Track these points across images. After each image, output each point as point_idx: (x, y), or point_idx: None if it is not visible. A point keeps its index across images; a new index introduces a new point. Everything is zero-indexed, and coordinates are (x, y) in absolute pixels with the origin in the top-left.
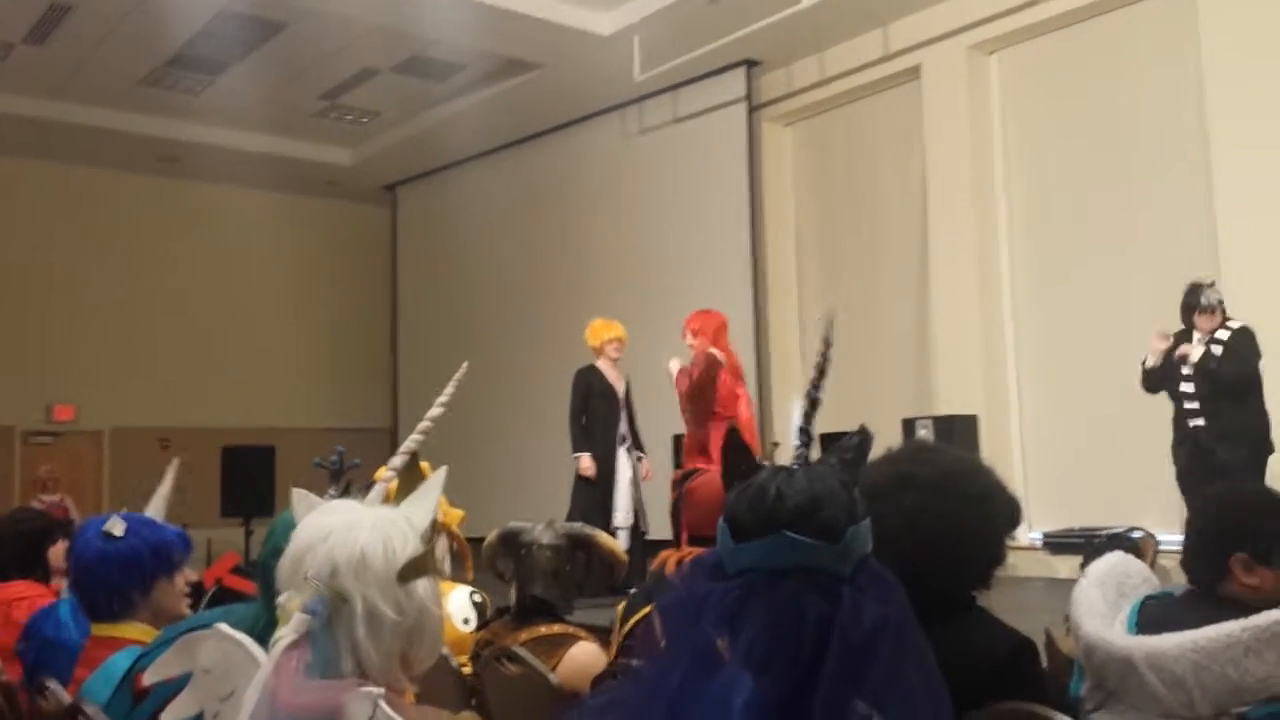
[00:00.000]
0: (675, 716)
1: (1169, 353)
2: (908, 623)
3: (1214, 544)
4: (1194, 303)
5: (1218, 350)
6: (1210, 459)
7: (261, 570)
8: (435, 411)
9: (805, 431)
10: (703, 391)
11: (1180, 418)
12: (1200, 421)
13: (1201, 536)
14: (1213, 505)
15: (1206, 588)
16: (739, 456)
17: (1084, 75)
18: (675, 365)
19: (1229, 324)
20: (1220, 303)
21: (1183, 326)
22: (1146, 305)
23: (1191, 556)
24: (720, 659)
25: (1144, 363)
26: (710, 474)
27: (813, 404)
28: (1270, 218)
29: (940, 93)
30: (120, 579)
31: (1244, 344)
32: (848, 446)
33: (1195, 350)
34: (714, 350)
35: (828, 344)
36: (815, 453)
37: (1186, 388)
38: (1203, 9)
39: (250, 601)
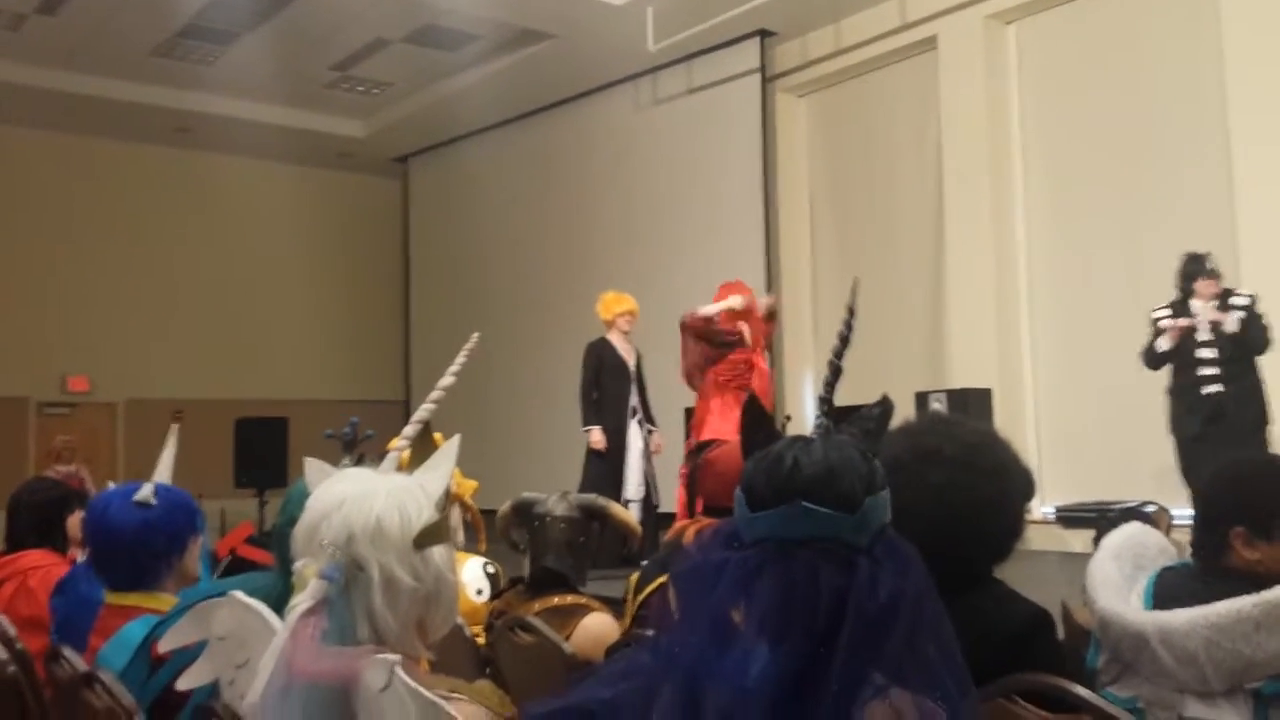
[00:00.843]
0: (691, 685)
1: (1182, 329)
2: (926, 594)
3: (1215, 517)
4: (1197, 270)
5: (1239, 315)
6: (1225, 424)
7: (278, 540)
8: (446, 381)
9: (826, 400)
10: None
11: (1194, 385)
12: (1218, 387)
13: (1205, 509)
14: (1215, 478)
15: (1210, 561)
16: (758, 425)
17: (1102, 45)
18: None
19: (1237, 291)
20: (1220, 271)
21: (1178, 296)
22: (1162, 278)
23: (1195, 529)
24: (736, 628)
25: (1154, 347)
26: (729, 444)
27: (835, 372)
28: None
29: (957, 63)
30: (163, 544)
31: (1260, 312)
32: (869, 416)
33: (1231, 318)
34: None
35: (851, 313)
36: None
37: (1206, 353)
38: None
39: (267, 570)
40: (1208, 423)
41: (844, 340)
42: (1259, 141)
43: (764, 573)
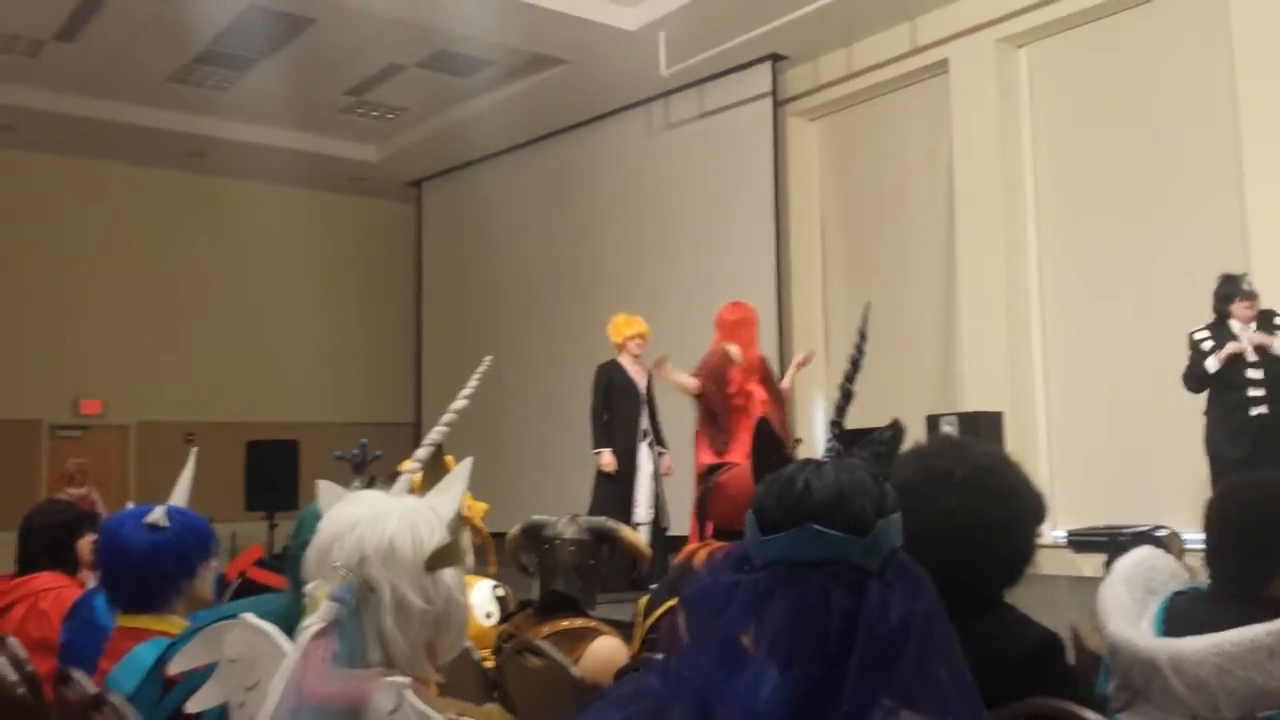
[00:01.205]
0: (701, 708)
1: (1233, 352)
2: (937, 618)
3: (1266, 546)
4: (1233, 291)
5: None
6: (1273, 446)
7: (290, 562)
8: (459, 404)
9: (838, 424)
10: (708, 388)
11: (1239, 407)
12: (1264, 409)
13: (1246, 535)
14: (1263, 502)
15: (1238, 587)
16: (769, 448)
17: (1114, 69)
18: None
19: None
20: (1255, 293)
21: (1214, 318)
22: (1175, 301)
23: (1227, 554)
24: (746, 651)
25: (1202, 368)
26: (741, 467)
27: (846, 396)
28: None
29: (968, 87)
30: (173, 567)
31: None
32: (880, 439)
33: (1278, 341)
34: (729, 346)
35: (863, 336)
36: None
37: (1253, 374)
38: (1234, 1)
39: (279, 593)
40: (1255, 445)
41: (855, 364)
42: (1271, 164)
43: (775, 595)
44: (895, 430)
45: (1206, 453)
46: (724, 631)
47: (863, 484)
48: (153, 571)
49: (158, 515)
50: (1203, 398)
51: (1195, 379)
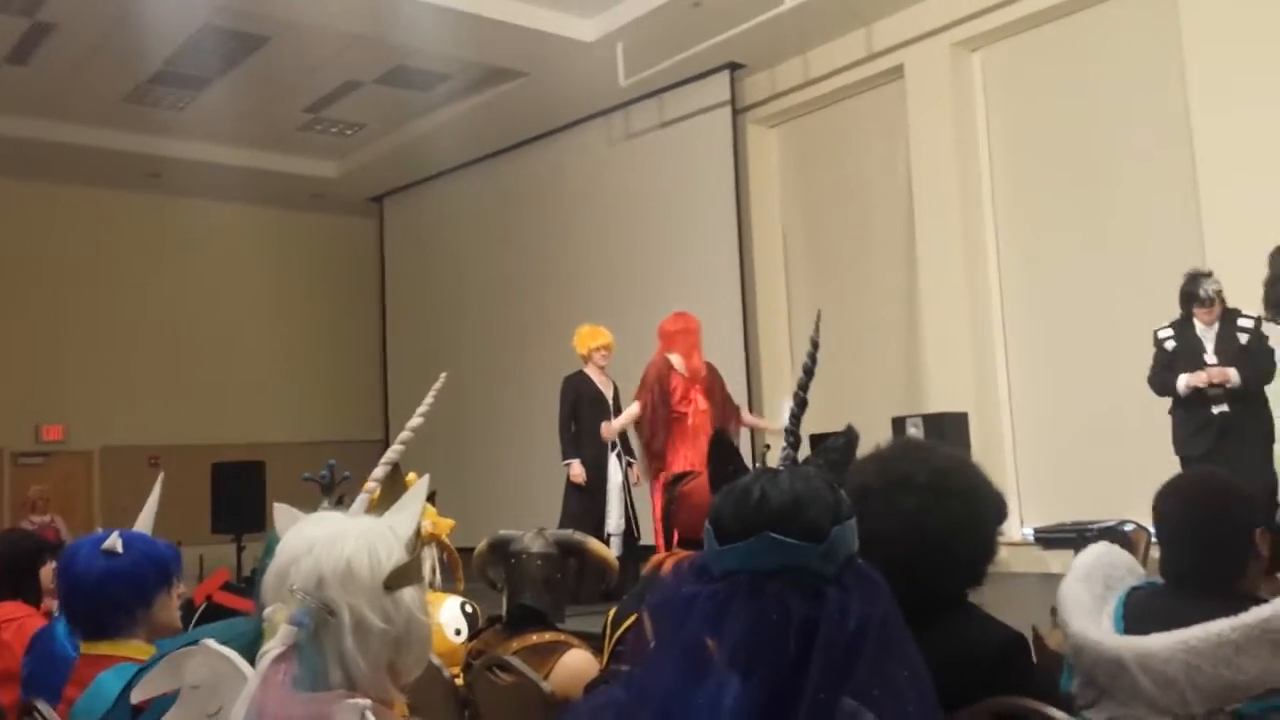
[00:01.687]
0: (666, 718)
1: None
2: (893, 621)
3: (1230, 530)
4: (1193, 292)
5: (1243, 339)
6: (1234, 442)
7: (258, 585)
8: (415, 422)
9: (792, 432)
10: (651, 402)
11: (1202, 404)
12: (1225, 407)
13: (1218, 525)
14: (1214, 492)
15: (1199, 584)
16: (725, 459)
17: (1067, 70)
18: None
19: (1244, 315)
20: (1219, 293)
21: (1180, 314)
22: (1134, 297)
23: (1186, 552)
24: (709, 660)
25: (1165, 379)
26: (704, 476)
27: (800, 405)
28: (1254, 207)
29: (924, 91)
30: (126, 595)
31: (1264, 343)
32: (834, 447)
33: (1234, 374)
34: (670, 355)
35: (815, 345)
36: (803, 453)
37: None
38: (1183, 1)
39: (245, 617)
40: (1217, 441)
41: (808, 373)
42: (1224, 163)
43: (734, 605)
44: (849, 437)
45: (1175, 451)
46: (686, 642)
47: (818, 491)
48: (106, 599)
49: (113, 542)
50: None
51: (1159, 385)
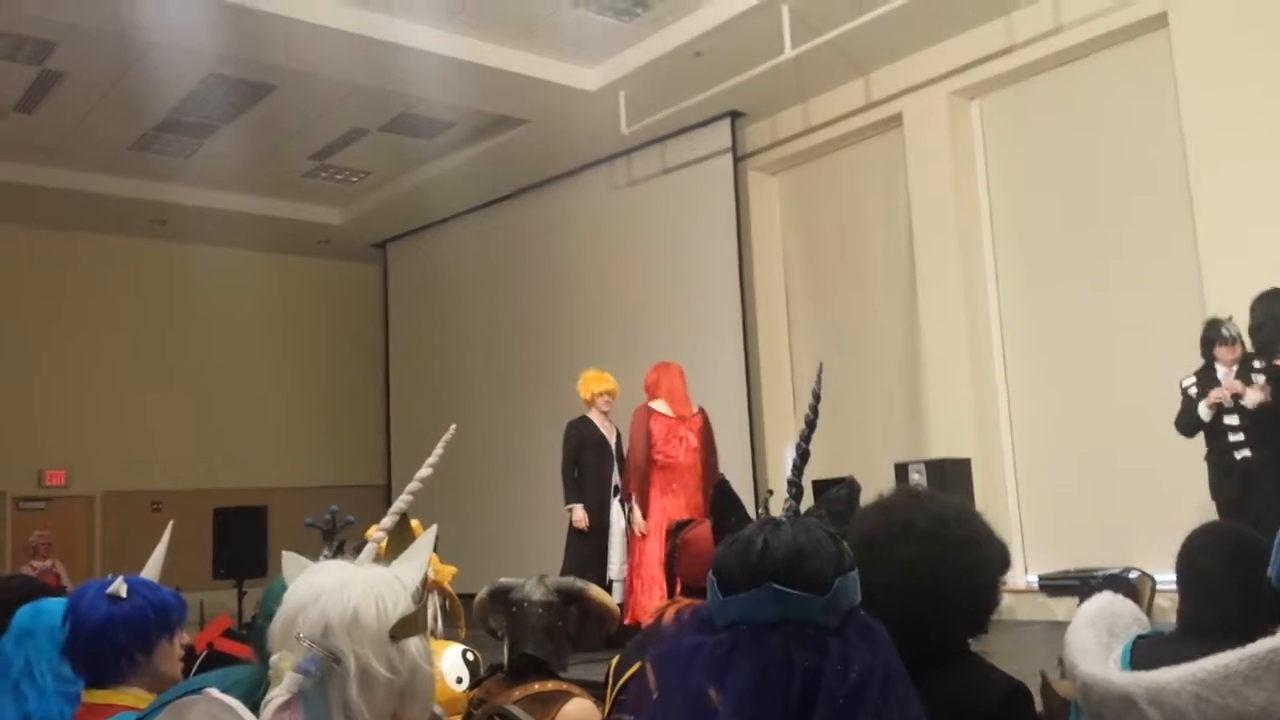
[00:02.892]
0: None
1: (1220, 399)
2: (896, 673)
3: (1256, 599)
4: (1214, 336)
5: (1259, 379)
6: (1259, 487)
7: (257, 634)
8: (424, 473)
9: (795, 484)
10: (637, 458)
11: (1227, 450)
12: (1248, 452)
13: (1259, 580)
14: (1252, 547)
15: (1251, 632)
16: (729, 508)
17: (1064, 117)
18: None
19: (1258, 359)
20: (1239, 335)
21: (1202, 363)
22: (1135, 343)
23: (1243, 603)
24: (712, 712)
25: (1195, 415)
26: (705, 525)
27: (802, 456)
28: (1251, 251)
29: (923, 139)
30: (127, 641)
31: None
32: (836, 498)
33: (1254, 395)
34: (652, 403)
35: (817, 397)
36: (807, 503)
37: (1230, 420)
38: (1177, 49)
39: (246, 664)
40: (1244, 485)
41: (810, 425)
42: (1221, 207)
43: (737, 656)
44: (850, 488)
45: (1211, 496)
46: (689, 692)
47: (820, 543)
48: (106, 644)
49: (118, 586)
50: (1179, 442)
51: (1186, 425)
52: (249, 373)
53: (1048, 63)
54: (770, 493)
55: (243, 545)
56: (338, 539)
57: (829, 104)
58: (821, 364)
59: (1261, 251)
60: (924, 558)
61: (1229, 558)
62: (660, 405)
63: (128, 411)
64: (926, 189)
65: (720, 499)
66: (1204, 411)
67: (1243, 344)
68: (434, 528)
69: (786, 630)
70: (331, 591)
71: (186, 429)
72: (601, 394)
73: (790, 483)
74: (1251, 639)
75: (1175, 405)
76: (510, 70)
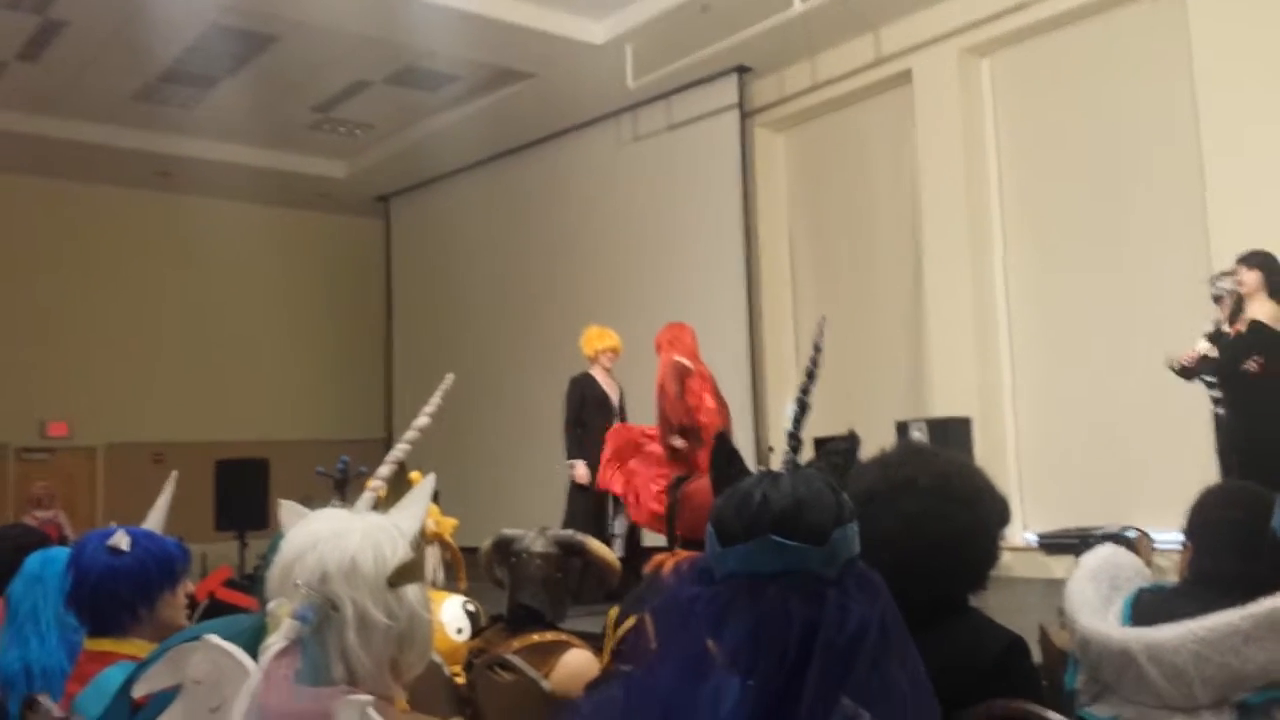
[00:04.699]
0: (667, 719)
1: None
2: (893, 624)
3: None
4: (1212, 292)
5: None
6: (1230, 445)
7: (261, 583)
8: (422, 422)
9: (794, 436)
10: (679, 397)
11: (1214, 405)
12: (1223, 410)
13: (1251, 546)
14: (1265, 500)
15: (1261, 586)
16: (727, 461)
17: (1076, 77)
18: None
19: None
20: (1230, 291)
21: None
22: (1140, 304)
23: (1253, 557)
24: (710, 662)
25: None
26: (706, 478)
27: (802, 408)
28: (1262, 216)
29: (932, 97)
30: (129, 593)
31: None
32: (836, 450)
33: (1201, 347)
34: (680, 359)
35: (818, 350)
36: (805, 456)
37: (1208, 378)
38: (1193, 11)
39: (249, 613)
40: (1220, 441)
41: (811, 377)
42: (1232, 172)
43: (735, 607)
44: (851, 441)
45: None
46: (686, 644)
47: (819, 494)
48: (108, 595)
49: (119, 539)
50: (1181, 402)
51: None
52: (251, 325)
53: (1060, 20)
54: (771, 449)
55: (244, 497)
56: (349, 488)
57: (837, 60)
58: (824, 317)
59: (1271, 213)
60: (926, 512)
61: (1245, 510)
62: (688, 363)
63: (130, 363)
64: (934, 147)
65: (719, 452)
66: (1175, 366)
67: (1236, 301)
68: (431, 476)
69: (784, 581)
70: (329, 539)
71: (188, 381)
72: (605, 350)
73: (790, 435)
74: (1257, 592)
75: None
76: (516, 23)
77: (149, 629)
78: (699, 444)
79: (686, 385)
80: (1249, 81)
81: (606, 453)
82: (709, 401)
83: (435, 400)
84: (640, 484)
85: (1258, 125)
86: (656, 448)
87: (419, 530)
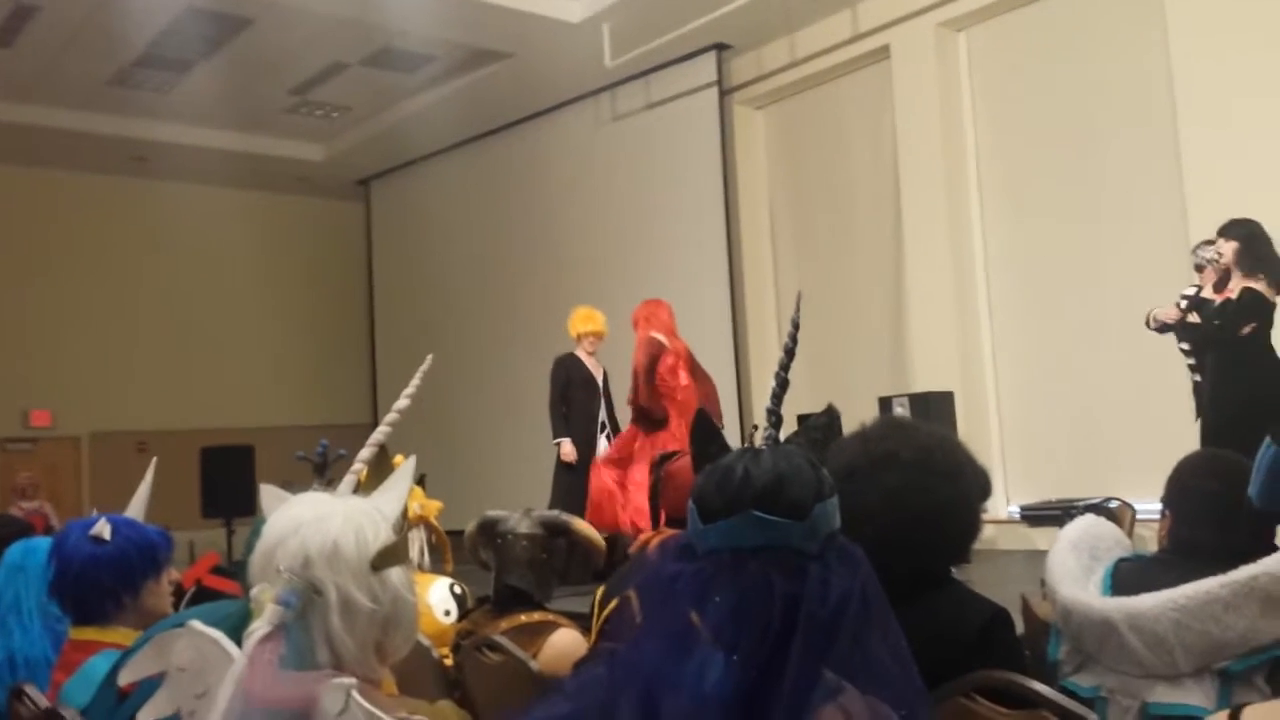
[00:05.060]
0: (650, 696)
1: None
2: (874, 596)
3: (1243, 526)
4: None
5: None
6: (1205, 411)
7: (245, 569)
8: (401, 403)
9: (774, 412)
10: (648, 373)
11: (1190, 372)
12: (1197, 377)
13: (1229, 514)
14: (1237, 467)
15: (1242, 555)
16: (708, 438)
17: (1052, 50)
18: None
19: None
20: (1211, 260)
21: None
22: (1119, 277)
23: (1230, 528)
24: (694, 638)
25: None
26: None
27: (781, 385)
28: (1237, 188)
29: (910, 72)
30: (111, 581)
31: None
32: (816, 425)
33: (1166, 312)
34: (655, 334)
35: (796, 326)
36: (787, 431)
37: (1182, 345)
38: None
39: (234, 599)
40: (1199, 407)
41: (789, 353)
42: (1207, 144)
43: (717, 582)
44: (830, 416)
45: None
46: (670, 620)
47: (800, 469)
48: (91, 584)
49: (101, 528)
50: (1162, 374)
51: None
52: (233, 312)
53: None
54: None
55: (230, 484)
56: (329, 473)
57: (816, 36)
58: (800, 293)
59: (1247, 186)
60: (907, 486)
61: (1221, 480)
62: (663, 339)
63: (112, 352)
64: (913, 122)
65: (699, 429)
66: (1152, 324)
67: (1222, 270)
68: (412, 458)
69: (766, 556)
70: (310, 523)
71: (171, 369)
72: (589, 334)
73: (769, 411)
74: (1235, 560)
75: (1157, 340)
76: (492, 2)
77: (133, 617)
78: (673, 415)
79: (658, 368)
80: (1224, 53)
81: (614, 450)
82: (684, 379)
83: (415, 382)
84: (634, 489)
85: (1234, 97)
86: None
87: (401, 513)
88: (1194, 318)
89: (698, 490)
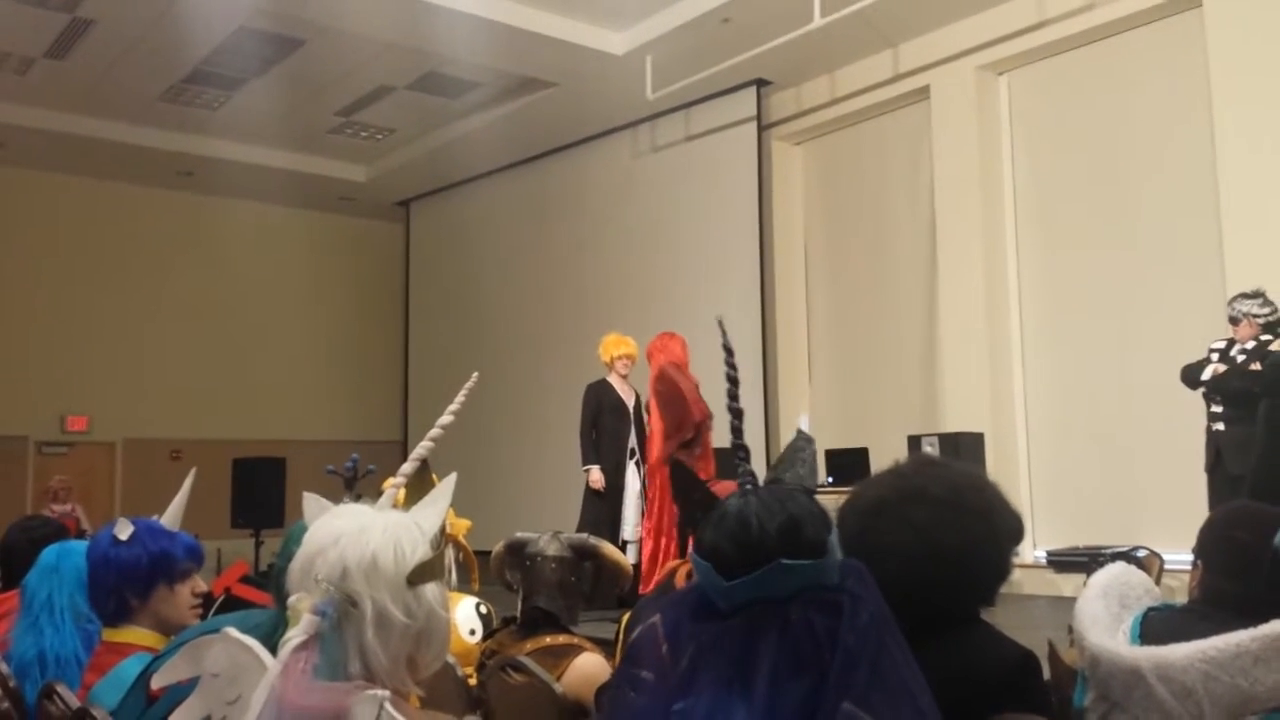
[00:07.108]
0: None
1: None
2: (887, 610)
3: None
4: (1231, 314)
5: (1241, 358)
6: (1223, 464)
7: (276, 577)
8: (445, 419)
9: (740, 446)
10: (673, 399)
11: (1208, 422)
12: (1220, 426)
13: (1262, 568)
14: (1273, 520)
15: (1267, 604)
16: (690, 488)
17: (1093, 95)
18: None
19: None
20: (1248, 314)
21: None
22: (1154, 322)
23: (1253, 575)
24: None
25: (1198, 375)
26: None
27: (738, 415)
28: (1276, 232)
29: (949, 113)
30: (117, 582)
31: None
32: (803, 459)
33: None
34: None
35: (730, 351)
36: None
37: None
38: (1210, 29)
39: (263, 608)
40: (1217, 457)
41: (734, 382)
42: (1247, 190)
43: (763, 637)
44: (807, 442)
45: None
46: (719, 678)
47: (806, 506)
48: (101, 584)
49: (122, 527)
50: (1193, 422)
51: (1186, 375)
52: (271, 325)
53: (1078, 39)
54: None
55: (261, 496)
56: (358, 487)
57: (856, 75)
58: (719, 317)
59: None
60: (936, 522)
61: (1256, 532)
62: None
63: (150, 360)
64: (951, 163)
65: (678, 478)
66: (1208, 375)
67: (1261, 324)
68: (453, 476)
69: (803, 600)
70: (350, 535)
71: (208, 379)
72: (621, 357)
73: (736, 446)
74: (1267, 614)
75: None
76: (538, 32)
77: (147, 619)
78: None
79: (679, 382)
80: (1266, 98)
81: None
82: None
83: (459, 399)
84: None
85: (1274, 141)
86: None
87: (440, 529)
88: (1256, 365)
89: (709, 545)
